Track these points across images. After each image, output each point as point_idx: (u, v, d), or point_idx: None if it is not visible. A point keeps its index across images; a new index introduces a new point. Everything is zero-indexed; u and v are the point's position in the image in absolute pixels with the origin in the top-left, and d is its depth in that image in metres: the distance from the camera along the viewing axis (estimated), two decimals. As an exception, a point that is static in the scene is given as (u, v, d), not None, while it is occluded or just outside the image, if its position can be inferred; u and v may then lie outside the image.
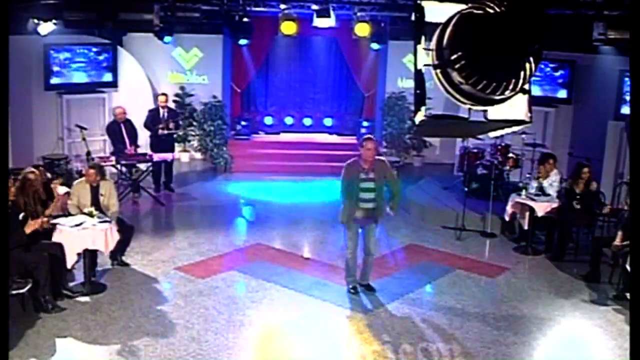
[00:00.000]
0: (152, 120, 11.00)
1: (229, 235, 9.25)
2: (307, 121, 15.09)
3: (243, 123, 14.25)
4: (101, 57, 11.95)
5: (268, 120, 15.04)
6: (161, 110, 11.21)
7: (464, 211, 9.53)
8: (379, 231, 7.19)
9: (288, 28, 10.67)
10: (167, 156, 10.85)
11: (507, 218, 9.36)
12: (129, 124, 10.63)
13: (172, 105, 12.57)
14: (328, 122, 14.79)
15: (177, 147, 13.59)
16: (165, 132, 11.05)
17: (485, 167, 10.69)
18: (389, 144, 13.73)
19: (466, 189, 10.00)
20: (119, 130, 10.46)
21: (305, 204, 11.08)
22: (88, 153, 10.26)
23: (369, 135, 6.97)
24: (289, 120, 15.08)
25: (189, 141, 14.15)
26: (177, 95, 13.91)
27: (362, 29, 10.88)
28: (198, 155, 14.26)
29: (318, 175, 12.30)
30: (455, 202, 10.30)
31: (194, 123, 13.95)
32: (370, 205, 6.81)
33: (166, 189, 11.42)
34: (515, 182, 10.03)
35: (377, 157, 6.85)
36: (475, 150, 11.33)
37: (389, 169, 6.88)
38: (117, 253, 7.77)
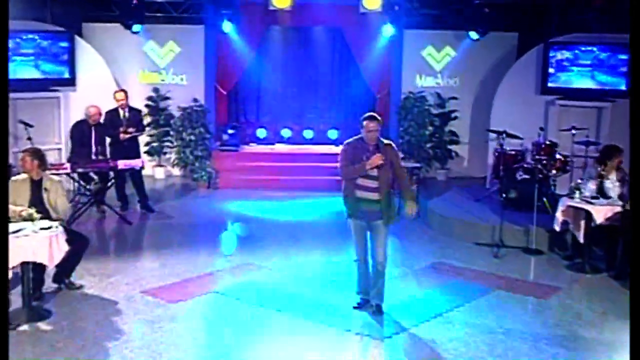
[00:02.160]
0: (112, 124, 10.54)
1: (212, 255, 8.91)
2: (308, 134, 14.97)
3: (230, 132, 13.95)
4: (55, 49, 11.52)
5: (261, 132, 14.88)
6: (121, 111, 10.76)
7: (501, 225, 9.21)
8: (387, 234, 6.76)
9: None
10: (135, 163, 10.39)
11: (557, 228, 8.82)
12: (100, 128, 10.23)
13: (141, 105, 12.29)
14: (333, 134, 14.74)
15: (150, 160, 13.26)
16: (128, 136, 10.60)
17: (526, 171, 10.32)
18: (406, 155, 13.32)
19: (503, 199, 9.62)
20: (88, 133, 10.07)
21: (305, 221, 10.90)
22: (29, 138, 9.89)
23: (371, 113, 6.68)
24: (286, 133, 14.92)
25: (165, 154, 13.74)
26: (149, 98, 13.69)
27: (372, 1, 10.40)
28: (176, 171, 13.96)
29: (320, 190, 12.23)
30: (490, 215, 10.09)
31: (171, 132, 13.57)
32: (374, 195, 6.62)
33: (143, 209, 10.98)
34: (561, 195, 9.45)
35: (383, 140, 6.65)
36: (512, 152, 10.97)
37: (398, 157, 6.75)
38: (63, 273, 7.25)
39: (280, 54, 14.86)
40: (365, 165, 6.51)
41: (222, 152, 13.68)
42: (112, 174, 10.52)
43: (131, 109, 10.94)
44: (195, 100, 13.54)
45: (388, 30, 13.18)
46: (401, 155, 8.66)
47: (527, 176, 10.17)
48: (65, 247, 6.67)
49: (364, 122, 6.54)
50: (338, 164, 6.73)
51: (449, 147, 14.32)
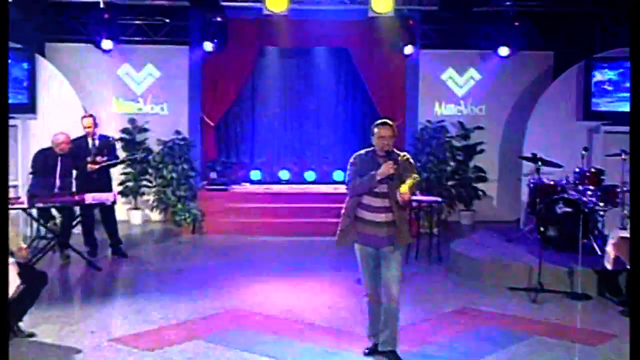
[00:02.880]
0: (78, 153, 10.42)
1: (195, 300, 8.81)
2: (310, 176, 15.04)
3: (218, 169, 14.04)
4: (11, 70, 11.36)
5: (255, 174, 14.92)
6: (89, 140, 10.69)
7: (539, 265, 9.06)
8: (400, 264, 6.68)
9: (275, 2, 10.25)
10: (105, 197, 10.17)
11: (608, 266, 8.65)
12: (67, 159, 10.09)
13: (115, 135, 12.27)
14: (339, 176, 14.65)
15: (125, 202, 13.22)
16: (96, 167, 10.51)
17: (567, 203, 10.13)
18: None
19: (541, 237, 9.52)
20: (53, 162, 9.94)
21: (304, 265, 10.91)
22: None
23: (384, 120, 6.76)
24: (284, 175, 14.98)
25: (142, 194, 13.66)
26: (124, 130, 13.65)
27: (383, 3, 10.39)
28: (155, 215, 13.93)
29: (324, 235, 11.98)
30: (525, 256, 10.01)
31: (149, 170, 13.53)
32: (383, 217, 6.59)
33: (115, 254, 10.86)
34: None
35: (399, 152, 6.69)
36: (551, 182, 10.91)
37: (412, 165, 6.76)
38: (12, 315, 6.86)
39: (276, 79, 14.95)
40: (375, 176, 6.45)
41: (210, 192, 13.65)
42: (78, 210, 10.36)
43: (101, 137, 10.85)
44: (177, 132, 13.64)
45: (408, 49, 13.33)
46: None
47: (569, 209, 10.06)
48: (15, 281, 6.42)
49: (375, 129, 6.59)
50: (345, 179, 6.79)
51: (475, 185, 14.28)
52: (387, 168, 6.42)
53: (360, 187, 6.56)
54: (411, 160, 6.69)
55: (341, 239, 6.70)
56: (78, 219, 10.59)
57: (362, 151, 6.73)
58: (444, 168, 13.93)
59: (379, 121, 6.71)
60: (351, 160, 6.72)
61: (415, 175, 6.60)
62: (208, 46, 13.03)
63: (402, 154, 6.68)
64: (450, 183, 14.04)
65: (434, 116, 14.27)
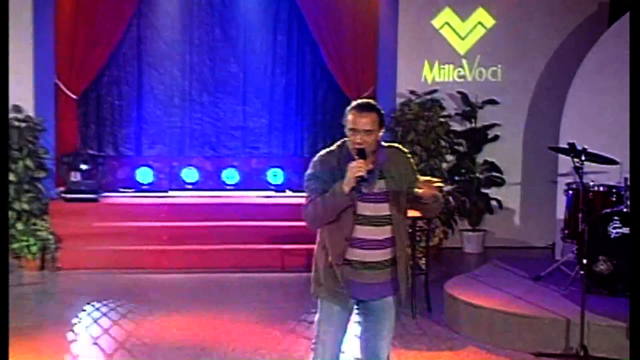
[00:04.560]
0: None
1: None
2: (231, 176, 15.12)
3: (83, 167, 14.03)
4: None
5: (144, 174, 14.91)
6: None
7: (582, 320, 8.97)
8: (395, 322, 6.74)
9: None
10: None
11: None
12: None
13: None
14: (276, 176, 15.03)
15: None
16: None
17: (626, 220, 10.09)
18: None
19: (585, 274, 9.40)
20: None
21: (222, 318, 10.80)
22: None
23: (364, 101, 6.51)
24: (190, 176, 15.06)
25: (-39, 208, 13.33)
26: None
27: None
28: (-18, 241, 13.46)
29: (256, 270, 12.40)
30: (561, 303, 9.96)
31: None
32: (383, 254, 6.44)
33: None
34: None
35: (386, 145, 6.50)
36: (602, 189, 11.05)
37: (415, 174, 6.53)
38: None
39: (175, 29, 14.97)
40: (340, 188, 6.12)
41: (69, 204, 13.63)
42: None
43: None
44: (16, 109, 13.45)
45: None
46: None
47: (627, 230, 10.00)
48: None
49: (349, 116, 6.32)
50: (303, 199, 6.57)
51: (485, 191, 14.22)
52: (353, 170, 6.05)
53: (323, 212, 6.31)
54: (405, 152, 6.55)
55: (318, 288, 6.60)
56: None
57: (327, 150, 6.50)
58: (437, 165, 13.83)
59: (355, 103, 6.41)
60: (311, 165, 6.52)
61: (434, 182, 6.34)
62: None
63: (391, 145, 6.55)
64: (447, 188, 13.44)
65: (422, 85, 14.14)
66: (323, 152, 6.49)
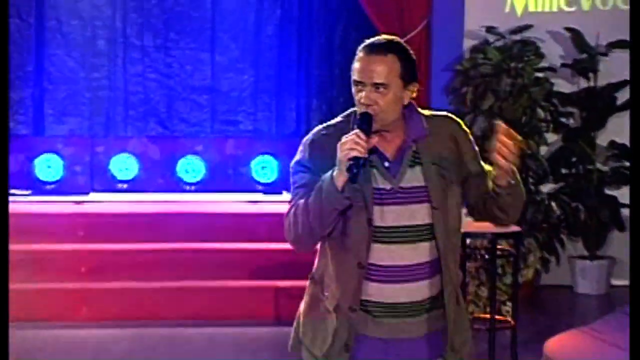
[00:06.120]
0: None
1: None
2: (192, 168, 13.43)
3: None
4: None
5: (48, 167, 13.14)
6: None
7: None
8: None
9: None
10: None
11: None
12: None
13: None
14: (266, 170, 13.14)
15: None
16: None
17: None
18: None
19: None
20: None
21: None
22: None
23: (385, 37, 5.08)
24: (122, 169, 13.24)
25: None
26: None
27: None
28: None
29: (224, 323, 10.65)
30: None
31: None
32: (418, 290, 5.00)
33: None
34: None
35: (427, 113, 5.04)
36: None
37: (473, 149, 4.93)
38: None
39: None
40: (335, 178, 4.64)
41: None
42: None
43: None
44: None
45: None
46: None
47: None
48: None
49: (355, 62, 4.92)
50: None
51: (611, 192, 11.91)
52: (345, 147, 4.54)
53: (306, 222, 4.86)
54: (458, 122, 4.92)
55: (301, 346, 5.20)
56: None
57: (331, 123, 5.12)
58: (531, 150, 11.51)
59: (366, 43, 4.93)
60: (298, 153, 5.11)
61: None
62: None
63: (437, 114, 5.07)
64: (545, 189, 11.50)
65: (506, 18, 11.59)
66: (320, 126, 5.13)
